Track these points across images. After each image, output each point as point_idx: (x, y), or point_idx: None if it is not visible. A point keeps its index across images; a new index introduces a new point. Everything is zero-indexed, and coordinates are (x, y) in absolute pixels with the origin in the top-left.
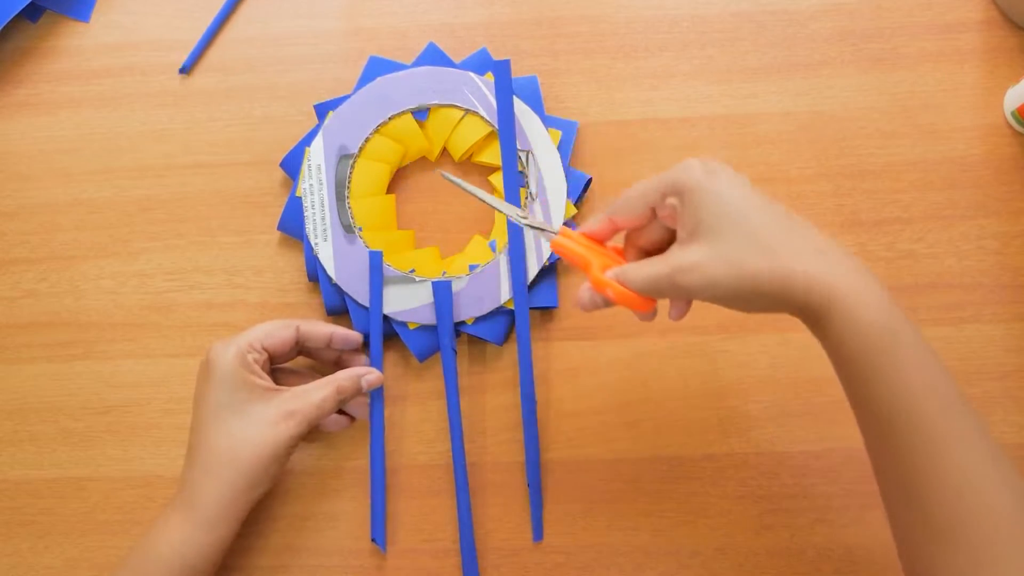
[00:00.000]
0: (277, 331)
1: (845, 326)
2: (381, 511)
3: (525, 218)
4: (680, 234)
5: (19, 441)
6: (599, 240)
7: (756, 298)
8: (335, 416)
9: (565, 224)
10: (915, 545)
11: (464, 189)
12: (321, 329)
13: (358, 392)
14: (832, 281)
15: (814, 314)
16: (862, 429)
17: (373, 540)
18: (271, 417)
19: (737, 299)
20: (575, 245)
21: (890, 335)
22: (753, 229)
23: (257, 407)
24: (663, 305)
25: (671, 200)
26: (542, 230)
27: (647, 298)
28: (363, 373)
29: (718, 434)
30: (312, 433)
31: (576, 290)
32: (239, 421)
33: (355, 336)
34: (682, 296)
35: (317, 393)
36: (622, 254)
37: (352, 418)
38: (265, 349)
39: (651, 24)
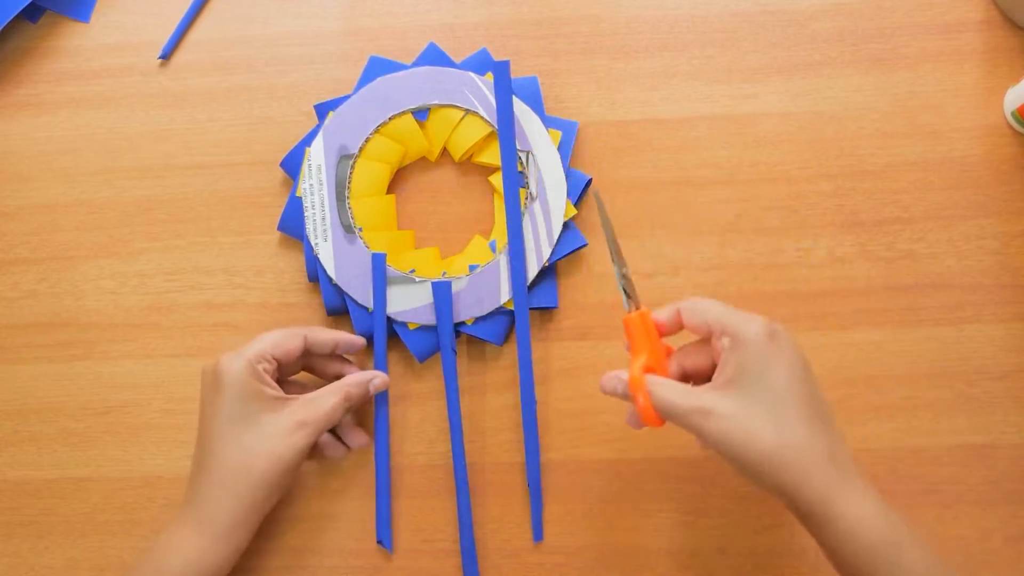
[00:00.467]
0: (285, 340)
1: (843, 540)
2: (386, 512)
3: (626, 279)
4: (717, 376)
5: (19, 441)
6: (663, 331)
7: (756, 476)
8: (333, 442)
9: (627, 296)
10: None
11: (602, 219)
12: (326, 335)
13: (366, 397)
14: (833, 496)
15: (812, 521)
16: None
17: (379, 542)
18: (283, 428)
19: (741, 469)
20: (639, 333)
21: (892, 548)
22: (781, 412)
23: (268, 418)
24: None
25: (724, 340)
26: (628, 297)
27: (661, 418)
28: (370, 377)
29: None
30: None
31: (576, 291)
32: (251, 433)
33: (359, 341)
34: (693, 434)
35: (327, 400)
36: (670, 353)
37: (348, 447)
38: (275, 359)
39: (651, 24)
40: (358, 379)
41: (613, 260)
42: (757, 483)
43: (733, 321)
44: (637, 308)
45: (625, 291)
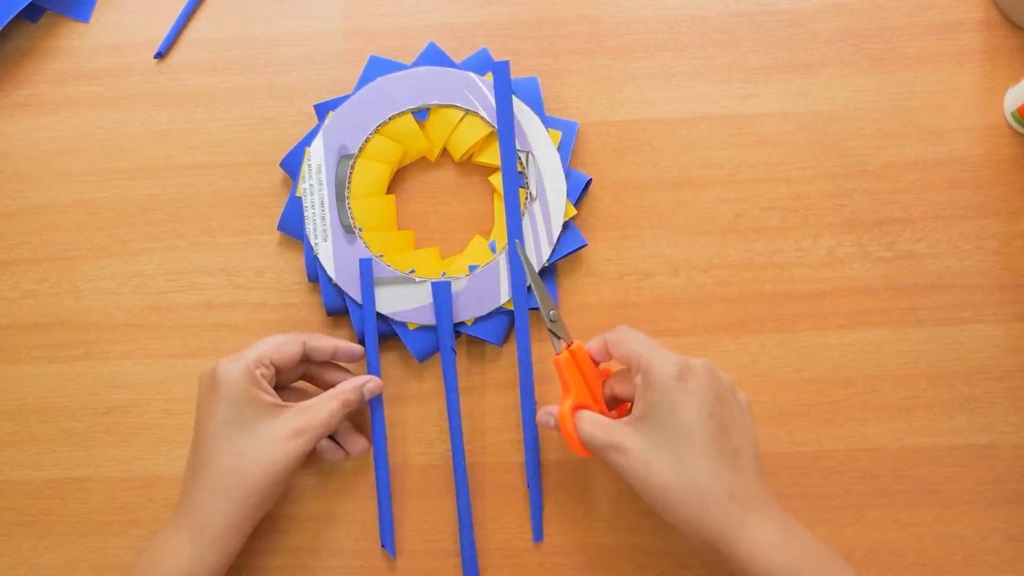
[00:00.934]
0: (284, 346)
1: (743, 572)
2: (388, 516)
3: (554, 321)
4: (634, 409)
5: (19, 441)
6: (595, 359)
7: (660, 511)
8: (332, 447)
9: (556, 338)
10: None
11: (526, 266)
12: (326, 342)
13: (362, 402)
14: (731, 532)
15: (712, 553)
16: None
17: (383, 546)
18: (280, 435)
19: (645, 500)
20: (567, 373)
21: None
22: (682, 450)
23: (265, 424)
24: None
25: (638, 378)
26: (558, 338)
27: (587, 452)
28: (364, 382)
29: None
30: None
31: (576, 291)
32: (247, 439)
33: (359, 349)
34: (611, 466)
35: (324, 408)
36: (608, 376)
37: (347, 452)
38: (273, 364)
39: (651, 24)
40: (354, 384)
41: (540, 306)
42: (664, 518)
43: (647, 359)
44: (568, 346)
45: (554, 333)
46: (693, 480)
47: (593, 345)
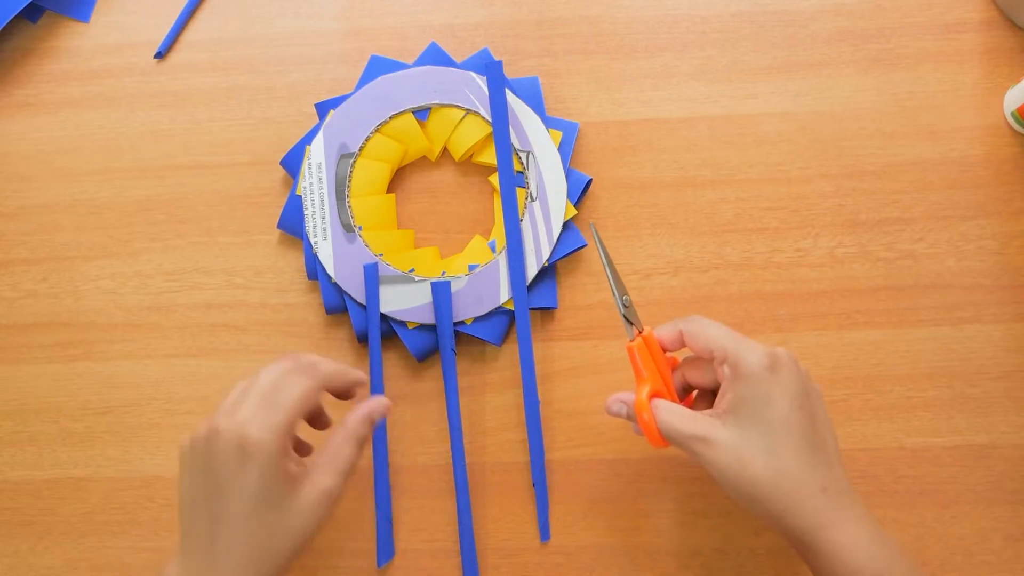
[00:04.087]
0: (309, 399)
1: (831, 569)
2: (387, 519)
3: (627, 307)
4: (718, 402)
5: (19, 441)
6: (665, 347)
7: (749, 505)
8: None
9: (628, 323)
10: None
11: (601, 253)
12: (340, 379)
13: (372, 429)
14: (824, 528)
15: (804, 550)
16: None
17: (378, 556)
18: (309, 502)
19: (738, 498)
20: (642, 361)
21: None
22: (776, 443)
23: (293, 495)
24: None
25: (724, 369)
26: (630, 324)
27: (665, 442)
28: (370, 411)
29: None
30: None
31: (576, 291)
32: (277, 514)
33: (364, 378)
34: (690, 457)
35: (342, 456)
36: (675, 366)
37: None
38: (301, 420)
39: (651, 24)
40: (362, 416)
41: (613, 291)
42: (751, 511)
43: (734, 350)
44: (640, 333)
45: (627, 319)
46: (787, 473)
47: (665, 333)
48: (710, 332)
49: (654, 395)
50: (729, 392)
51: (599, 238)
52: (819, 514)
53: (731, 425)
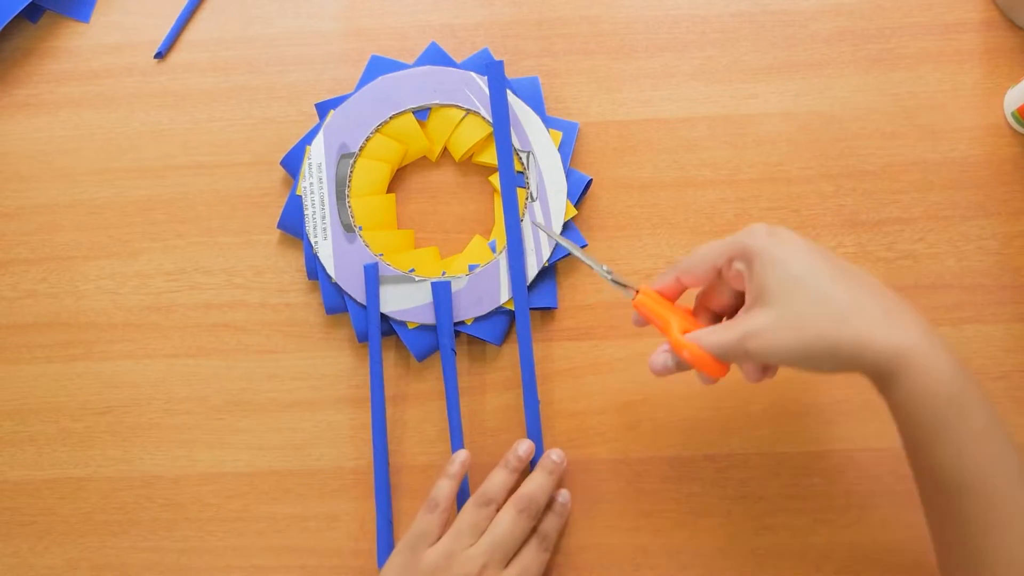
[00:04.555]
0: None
1: (913, 393)
2: (387, 521)
3: (610, 273)
4: (748, 299)
5: (19, 441)
6: (667, 298)
7: (824, 361)
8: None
9: (607, 273)
10: None
11: (567, 246)
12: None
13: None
14: (901, 347)
15: (882, 378)
16: (923, 498)
17: (378, 556)
18: None
19: (806, 362)
20: (657, 307)
21: (958, 406)
22: (818, 294)
23: None
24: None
25: (737, 265)
26: (624, 286)
27: (721, 364)
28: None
29: (718, 434)
30: (312, 432)
31: (576, 291)
32: None
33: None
34: (752, 361)
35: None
36: (691, 314)
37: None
38: None
39: (651, 24)
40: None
41: (592, 265)
42: (829, 368)
43: (732, 243)
44: (637, 291)
45: (618, 283)
46: (842, 309)
47: (662, 284)
48: (703, 252)
49: (684, 331)
50: (752, 279)
51: (557, 237)
52: (893, 340)
53: (768, 304)
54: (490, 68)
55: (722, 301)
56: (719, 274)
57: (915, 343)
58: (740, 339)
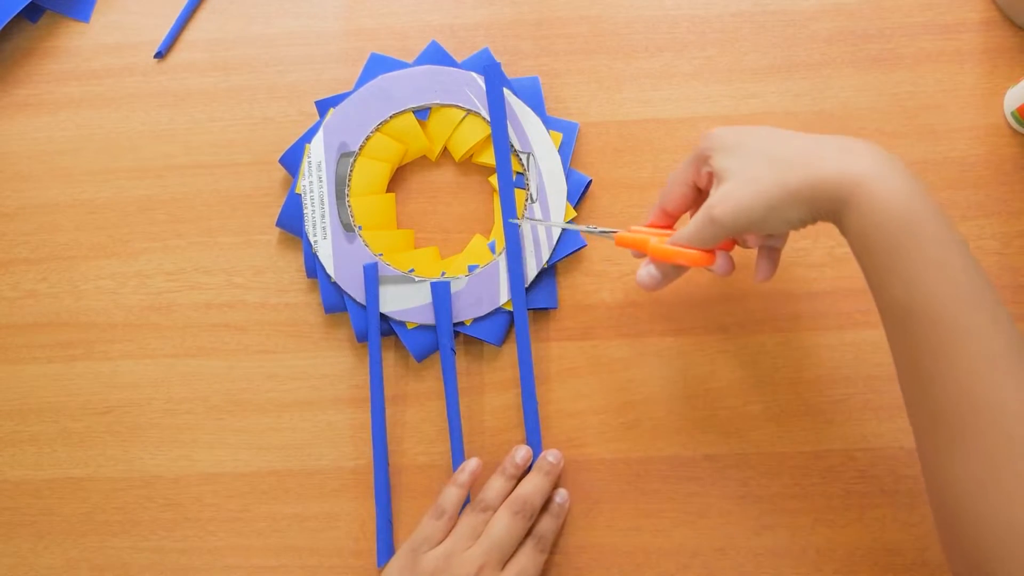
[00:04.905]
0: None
1: (864, 216)
2: (387, 523)
3: (596, 227)
4: (713, 186)
5: (19, 441)
6: (659, 228)
7: (786, 208)
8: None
9: (569, 222)
10: (932, 450)
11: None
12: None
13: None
14: (852, 173)
15: (839, 213)
16: (884, 324)
17: (377, 556)
18: None
19: (772, 214)
20: (636, 235)
21: (909, 226)
22: (770, 152)
23: None
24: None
25: (704, 168)
26: (608, 232)
27: (704, 250)
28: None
29: (718, 434)
30: (312, 432)
31: (576, 291)
32: None
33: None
34: (726, 233)
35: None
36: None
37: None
38: None
39: (651, 24)
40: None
41: (582, 231)
42: (797, 219)
43: (697, 151)
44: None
45: (601, 231)
46: (796, 157)
47: (650, 220)
48: (674, 175)
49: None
50: (717, 169)
51: (535, 220)
52: (846, 167)
53: (730, 177)
54: (488, 70)
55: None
56: (696, 192)
57: (867, 169)
58: (706, 212)
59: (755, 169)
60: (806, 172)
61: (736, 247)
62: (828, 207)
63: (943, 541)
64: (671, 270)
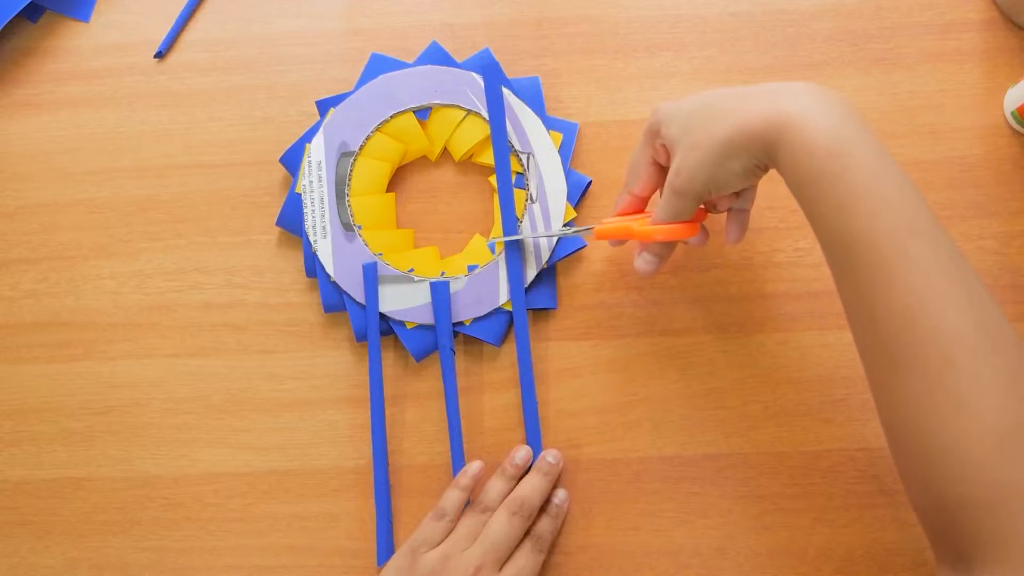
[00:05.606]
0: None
1: (795, 152)
2: (387, 523)
3: (567, 227)
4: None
5: (19, 441)
6: (632, 214)
7: (730, 160)
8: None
9: (566, 224)
10: (877, 374)
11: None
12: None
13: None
14: (781, 112)
15: (772, 150)
16: (825, 257)
17: (377, 555)
18: None
19: (720, 170)
20: (614, 223)
21: (838, 157)
22: (704, 113)
23: None
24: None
25: (658, 141)
26: (583, 230)
27: (683, 223)
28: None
29: (718, 434)
30: (312, 432)
31: (575, 291)
32: None
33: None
34: (693, 201)
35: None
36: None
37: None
38: None
39: (651, 24)
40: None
41: (557, 235)
42: (744, 167)
43: (647, 127)
44: (593, 227)
45: (576, 229)
46: (728, 111)
47: (621, 202)
48: (634, 156)
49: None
50: (668, 141)
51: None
52: (774, 108)
53: (678, 148)
54: (486, 70)
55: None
56: (659, 167)
57: (794, 108)
58: (669, 187)
59: (696, 134)
60: (734, 120)
61: (708, 216)
62: (761, 150)
63: (897, 467)
64: (664, 250)
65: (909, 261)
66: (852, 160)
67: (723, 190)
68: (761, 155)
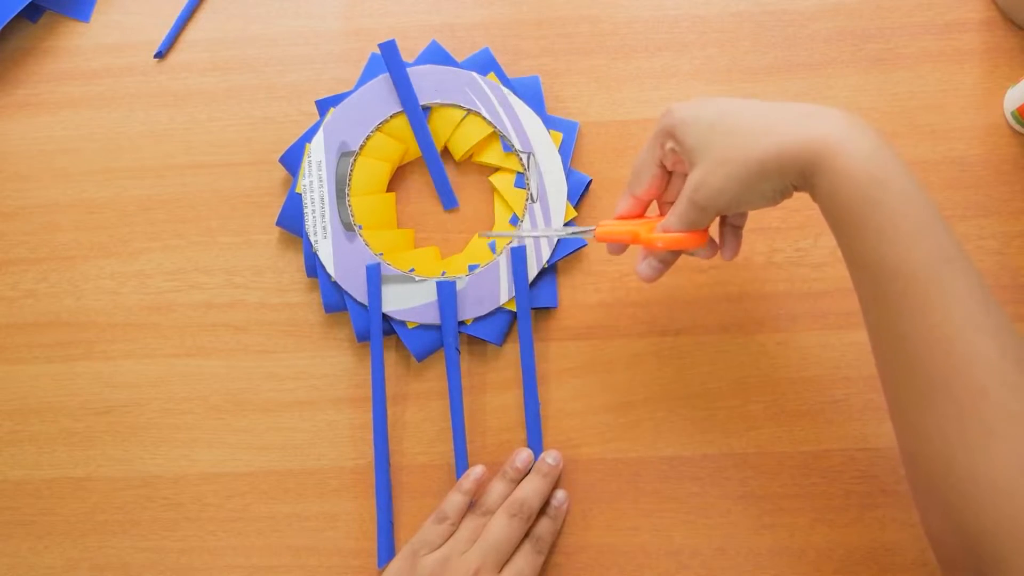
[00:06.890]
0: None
1: (833, 177)
2: (387, 523)
3: (567, 227)
4: (687, 168)
5: (19, 441)
6: (634, 218)
7: (760, 182)
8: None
9: (566, 224)
10: (904, 402)
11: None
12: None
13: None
14: (817, 137)
15: (809, 178)
16: (856, 288)
17: (378, 555)
18: None
19: (748, 191)
20: (618, 226)
21: (877, 185)
22: (731, 128)
23: None
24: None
25: (668, 145)
26: (584, 231)
27: (693, 233)
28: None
29: (718, 434)
30: (312, 432)
31: (576, 291)
32: None
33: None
34: (709, 215)
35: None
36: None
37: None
38: None
39: (651, 24)
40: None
41: (557, 235)
42: (771, 193)
43: (658, 130)
44: (595, 227)
45: (578, 232)
46: (759, 130)
47: (622, 204)
48: (639, 157)
49: (650, 230)
50: (681, 148)
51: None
52: (810, 133)
53: (699, 160)
54: (383, 46)
55: (672, 193)
56: (664, 171)
57: (831, 132)
58: (688, 199)
59: (723, 149)
60: (770, 142)
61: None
62: (797, 174)
63: (915, 494)
64: (670, 256)
65: (944, 289)
66: (891, 186)
67: (745, 208)
68: (796, 179)
